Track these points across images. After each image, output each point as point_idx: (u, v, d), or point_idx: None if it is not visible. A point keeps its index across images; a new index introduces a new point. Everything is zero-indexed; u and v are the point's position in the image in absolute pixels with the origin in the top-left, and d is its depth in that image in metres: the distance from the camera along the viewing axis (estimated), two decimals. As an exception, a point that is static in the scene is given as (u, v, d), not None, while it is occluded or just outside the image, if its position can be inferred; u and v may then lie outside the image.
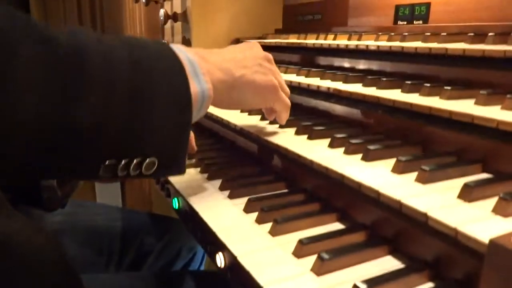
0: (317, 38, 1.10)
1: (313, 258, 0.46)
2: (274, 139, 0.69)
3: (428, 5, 0.93)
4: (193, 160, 0.80)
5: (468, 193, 0.45)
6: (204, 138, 0.99)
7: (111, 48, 0.46)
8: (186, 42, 1.42)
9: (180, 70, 0.50)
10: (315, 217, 0.56)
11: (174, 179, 0.72)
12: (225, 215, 0.58)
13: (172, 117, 0.49)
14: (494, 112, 0.53)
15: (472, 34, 0.75)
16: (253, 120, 0.83)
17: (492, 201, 0.43)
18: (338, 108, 0.79)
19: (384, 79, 0.75)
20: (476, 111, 0.54)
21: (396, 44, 0.78)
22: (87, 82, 0.42)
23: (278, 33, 1.47)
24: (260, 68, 0.63)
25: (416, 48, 0.73)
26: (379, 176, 0.52)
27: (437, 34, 0.86)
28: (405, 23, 0.99)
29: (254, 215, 0.57)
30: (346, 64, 0.97)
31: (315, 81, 0.87)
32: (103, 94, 0.43)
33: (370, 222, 0.53)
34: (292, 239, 0.50)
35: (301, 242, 0.48)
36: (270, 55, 0.68)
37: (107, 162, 0.45)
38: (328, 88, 0.79)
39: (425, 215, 0.42)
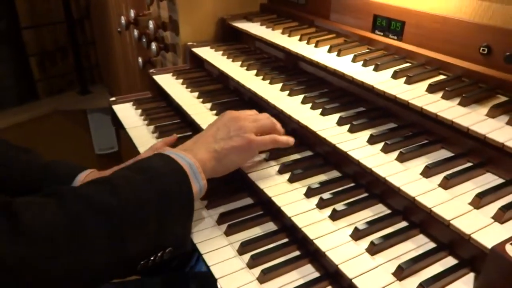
0: (300, 40, 1.17)
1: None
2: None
3: (403, 23, 1.00)
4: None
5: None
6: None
7: (140, 198, 0.63)
8: (173, 22, 1.45)
9: (186, 180, 0.68)
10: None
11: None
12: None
13: (182, 216, 0.68)
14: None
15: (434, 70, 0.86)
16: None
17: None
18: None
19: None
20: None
21: (369, 82, 0.88)
22: (128, 226, 0.61)
23: (262, 11, 1.50)
24: (232, 132, 0.78)
25: (384, 92, 0.83)
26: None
27: (406, 60, 0.96)
28: (382, 34, 1.06)
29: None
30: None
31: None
32: (143, 232, 0.63)
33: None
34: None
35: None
36: (233, 113, 0.83)
37: (142, 263, 0.64)
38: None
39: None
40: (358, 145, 0.80)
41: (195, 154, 0.73)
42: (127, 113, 1.28)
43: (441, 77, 0.89)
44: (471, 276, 0.61)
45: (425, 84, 0.85)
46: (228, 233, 0.77)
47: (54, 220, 0.55)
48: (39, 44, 2.78)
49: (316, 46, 1.11)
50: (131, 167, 0.70)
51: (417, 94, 0.82)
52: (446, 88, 0.80)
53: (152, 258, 0.66)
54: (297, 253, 0.73)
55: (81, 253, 0.57)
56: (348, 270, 0.62)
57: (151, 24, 1.51)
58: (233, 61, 1.26)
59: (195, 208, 0.72)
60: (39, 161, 0.90)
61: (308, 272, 0.70)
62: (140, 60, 1.76)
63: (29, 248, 0.52)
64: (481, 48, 0.84)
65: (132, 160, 0.83)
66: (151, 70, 1.41)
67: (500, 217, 0.61)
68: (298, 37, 1.19)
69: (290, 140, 0.86)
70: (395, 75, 0.89)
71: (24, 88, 2.86)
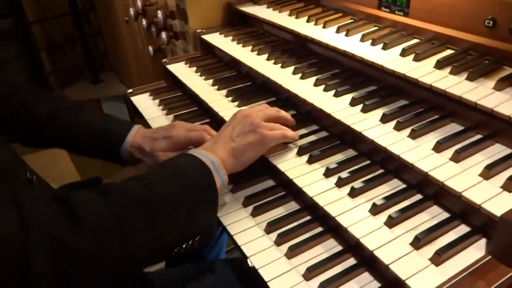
0: (307, 21, 1.19)
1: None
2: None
3: (408, -1, 1.02)
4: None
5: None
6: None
7: (171, 191, 0.70)
8: (181, 11, 1.48)
9: (210, 175, 0.76)
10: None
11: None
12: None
13: (208, 207, 0.75)
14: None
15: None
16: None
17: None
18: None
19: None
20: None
21: (378, 61, 0.91)
22: (164, 217, 0.68)
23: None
24: (245, 128, 0.85)
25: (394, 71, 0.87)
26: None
27: (414, 36, 0.99)
28: (388, 11, 1.08)
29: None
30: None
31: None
32: (176, 221, 0.70)
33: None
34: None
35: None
36: (244, 111, 0.89)
37: (176, 250, 0.71)
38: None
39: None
40: (371, 125, 0.84)
41: (215, 153, 0.80)
42: (146, 104, 1.33)
43: (449, 52, 0.92)
44: (483, 241, 0.67)
45: (433, 60, 0.88)
46: (254, 214, 0.83)
47: (102, 212, 0.63)
48: (47, 37, 2.82)
49: (324, 27, 1.13)
50: (162, 165, 0.78)
51: (425, 71, 0.85)
52: (454, 64, 0.83)
53: (184, 246, 0.73)
54: (320, 229, 0.79)
55: (127, 242, 0.64)
56: (368, 242, 0.68)
57: (159, 14, 1.54)
58: (243, 46, 1.29)
59: (222, 194, 0.79)
60: (93, 122, 1.02)
61: (332, 246, 0.76)
62: (150, 49, 1.80)
63: (84, 235, 0.59)
64: (486, 21, 0.86)
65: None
66: (164, 60, 1.44)
67: (508, 186, 0.65)
68: (306, 18, 1.21)
69: (296, 135, 0.93)
70: (404, 53, 0.92)
71: (37, 82, 2.93)
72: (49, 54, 2.87)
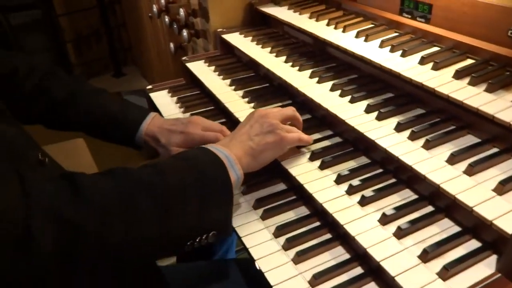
0: (327, 24, 1.19)
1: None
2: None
3: (430, 6, 1.01)
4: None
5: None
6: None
7: (183, 181, 0.70)
8: (203, 9, 1.49)
9: (224, 169, 0.75)
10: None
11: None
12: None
13: (222, 202, 0.74)
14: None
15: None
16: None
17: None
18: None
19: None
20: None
21: (396, 69, 0.90)
22: (172, 204, 0.67)
23: (290, -8, 1.51)
24: (264, 129, 0.84)
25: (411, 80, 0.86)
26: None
27: (434, 44, 0.97)
28: (409, 17, 1.07)
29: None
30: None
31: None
32: (185, 211, 0.69)
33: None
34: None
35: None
36: (262, 111, 0.88)
37: (188, 243, 0.71)
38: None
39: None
40: (385, 133, 0.83)
41: (231, 150, 0.80)
42: (164, 101, 1.35)
43: (469, 61, 0.90)
44: (493, 258, 0.66)
45: (452, 69, 0.86)
46: (264, 217, 0.84)
47: (109, 192, 0.63)
48: (74, 30, 2.89)
49: (343, 31, 1.13)
50: (176, 156, 0.78)
51: (443, 81, 0.84)
52: (473, 74, 0.82)
53: (197, 240, 0.72)
54: (328, 236, 0.79)
55: (132, 223, 0.63)
56: (376, 253, 0.68)
57: (181, 11, 1.56)
58: (262, 47, 1.30)
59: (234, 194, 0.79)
60: (111, 107, 1.02)
61: (339, 253, 0.76)
62: (171, 45, 1.82)
63: (89, 214, 0.58)
64: (510, 31, 0.84)
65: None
66: (183, 58, 1.46)
67: (522, 203, 0.64)
68: (326, 21, 1.21)
69: (310, 139, 0.92)
70: (422, 61, 0.91)
71: (63, 74, 2.99)
72: (75, 47, 2.94)
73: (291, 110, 0.93)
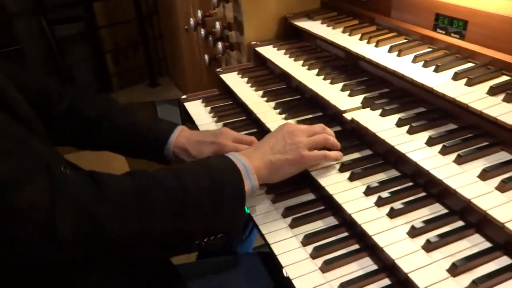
0: (360, 39, 1.20)
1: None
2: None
3: (465, 22, 1.01)
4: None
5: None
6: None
7: (198, 184, 0.75)
8: (238, 23, 1.54)
9: (239, 177, 0.79)
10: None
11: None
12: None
13: (234, 208, 0.78)
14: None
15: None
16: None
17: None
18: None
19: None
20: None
21: (429, 84, 0.91)
22: (186, 205, 0.72)
23: (323, 7, 1.54)
24: (287, 146, 0.87)
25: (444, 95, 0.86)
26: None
27: (468, 60, 0.97)
28: (444, 32, 1.07)
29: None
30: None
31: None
32: (198, 212, 0.73)
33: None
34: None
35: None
36: (291, 126, 0.91)
37: (196, 242, 0.75)
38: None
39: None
40: (416, 147, 0.84)
41: (251, 160, 0.84)
42: (198, 111, 1.40)
43: (504, 78, 0.89)
44: (525, 275, 0.65)
45: (486, 86, 0.86)
46: (292, 225, 0.86)
47: (128, 191, 0.68)
48: (113, 41, 3.01)
49: (376, 45, 1.14)
50: (194, 162, 0.84)
51: (477, 97, 0.84)
52: (508, 91, 0.82)
53: (205, 240, 0.76)
54: (356, 246, 0.80)
55: (146, 221, 0.68)
56: (404, 265, 0.68)
57: (217, 25, 1.61)
58: (295, 60, 1.32)
59: (263, 202, 0.86)
60: (139, 124, 1.07)
61: (367, 264, 0.77)
62: (206, 57, 1.87)
63: (108, 210, 0.64)
64: (547, 49, 0.84)
65: None
66: (218, 69, 1.51)
67: (556, 221, 0.63)
68: (359, 36, 1.22)
69: (339, 155, 0.93)
70: (456, 77, 0.91)
71: (101, 82, 3.13)
72: (113, 57, 3.06)
73: (320, 128, 0.95)
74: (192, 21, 1.77)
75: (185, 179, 0.74)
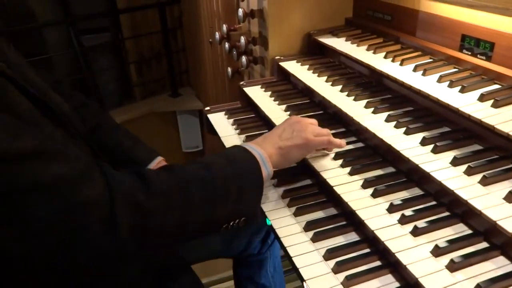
0: (385, 57, 1.22)
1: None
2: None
3: (492, 44, 1.01)
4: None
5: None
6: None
7: (225, 174, 0.82)
8: (263, 38, 1.57)
9: (257, 165, 0.86)
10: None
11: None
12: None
13: (255, 193, 0.86)
14: None
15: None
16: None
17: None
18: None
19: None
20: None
21: (454, 104, 0.91)
22: (217, 194, 0.80)
23: (348, 25, 1.56)
24: (295, 133, 0.95)
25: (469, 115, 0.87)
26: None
27: (495, 82, 0.98)
28: (470, 53, 1.08)
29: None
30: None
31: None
32: (227, 199, 0.80)
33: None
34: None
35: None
36: (297, 117, 1.00)
37: (224, 226, 0.81)
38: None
39: None
40: (441, 166, 0.84)
41: (264, 149, 0.91)
42: (221, 122, 1.43)
43: (531, 100, 0.90)
44: (551, 300, 0.64)
45: (513, 108, 0.86)
46: (314, 239, 0.87)
47: (170, 185, 0.75)
48: (138, 52, 3.09)
49: (401, 64, 1.15)
50: (216, 154, 0.90)
51: (504, 119, 0.84)
52: (535, 114, 0.82)
53: (231, 224, 0.83)
54: (378, 263, 0.81)
55: (186, 210, 0.76)
56: (428, 283, 0.68)
57: (242, 39, 1.64)
58: (318, 76, 1.34)
59: (285, 215, 0.91)
60: (124, 144, 1.19)
61: (389, 281, 0.77)
62: (229, 70, 1.91)
63: (156, 202, 0.71)
64: None
65: None
66: (241, 83, 1.54)
67: None
68: (383, 54, 1.24)
69: (343, 142, 1.02)
70: (482, 98, 0.91)
71: (124, 92, 3.20)
72: (137, 67, 3.14)
73: (326, 131, 1.02)
74: (217, 35, 1.81)
75: (213, 170, 0.81)
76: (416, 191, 0.90)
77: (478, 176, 0.80)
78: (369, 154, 1.03)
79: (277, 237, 0.90)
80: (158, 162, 1.18)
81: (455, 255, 0.73)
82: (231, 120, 1.41)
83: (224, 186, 0.80)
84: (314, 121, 1.03)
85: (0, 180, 0.58)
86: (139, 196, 0.69)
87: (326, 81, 1.30)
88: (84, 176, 0.66)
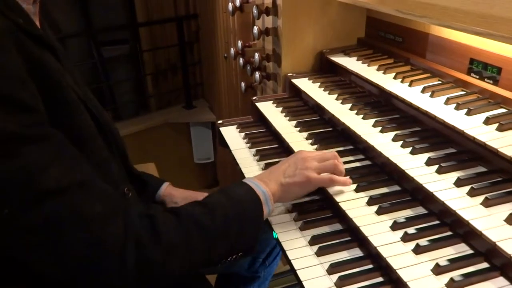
0: (394, 78, 1.25)
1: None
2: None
3: (499, 69, 1.04)
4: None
5: None
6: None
7: (227, 218, 0.85)
8: (276, 55, 1.61)
9: (260, 206, 0.90)
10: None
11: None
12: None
13: (254, 231, 0.89)
14: None
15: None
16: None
17: None
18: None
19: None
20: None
21: (460, 126, 0.94)
22: (217, 238, 0.84)
23: (360, 45, 1.60)
24: (297, 170, 0.97)
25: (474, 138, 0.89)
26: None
27: (501, 105, 1.00)
28: (477, 77, 1.10)
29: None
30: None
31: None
32: (227, 241, 0.85)
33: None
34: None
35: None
36: (303, 153, 1.01)
37: (222, 262, 0.86)
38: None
39: None
40: (444, 187, 0.86)
41: (267, 185, 0.94)
42: (232, 135, 1.47)
43: (536, 125, 0.91)
44: (549, 322, 0.66)
45: (517, 132, 0.88)
46: (319, 254, 0.89)
47: (175, 231, 0.79)
48: (154, 64, 3.17)
49: (410, 85, 1.18)
50: (222, 192, 0.92)
51: (508, 143, 0.86)
52: (539, 139, 0.84)
53: (229, 259, 0.89)
54: (380, 279, 0.82)
55: (188, 257, 0.80)
56: (427, 301, 0.70)
57: (256, 55, 1.69)
58: (329, 93, 1.38)
59: (291, 229, 0.95)
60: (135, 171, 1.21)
61: (390, 297, 0.79)
62: (242, 84, 1.96)
63: (160, 250, 0.75)
64: None
65: None
66: (254, 98, 1.58)
67: None
68: (393, 74, 1.27)
69: (348, 182, 1.00)
70: (487, 121, 0.93)
71: (140, 102, 3.27)
72: (153, 79, 3.21)
73: (331, 154, 1.03)
74: (232, 50, 1.87)
75: (217, 214, 0.85)
76: (420, 210, 0.92)
77: (481, 198, 0.82)
78: (375, 172, 1.06)
79: (282, 250, 0.93)
80: (167, 185, 1.22)
81: (456, 274, 0.74)
82: (243, 134, 1.45)
83: (225, 232, 0.84)
84: (320, 152, 1.05)
85: (48, 208, 0.65)
86: (146, 243, 0.74)
87: (336, 99, 1.33)
88: (111, 214, 0.72)
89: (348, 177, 1.01)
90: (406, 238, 0.83)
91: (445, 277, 0.74)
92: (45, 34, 0.79)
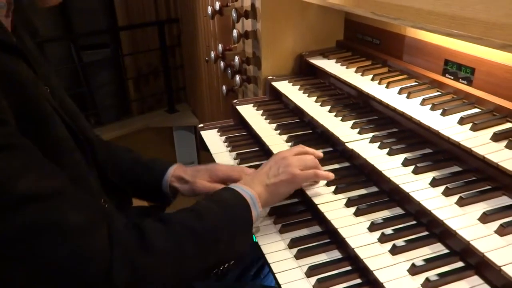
0: (372, 79, 1.26)
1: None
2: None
3: (473, 69, 1.05)
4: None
5: None
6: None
7: (216, 223, 0.84)
8: (256, 58, 1.61)
9: (248, 209, 0.88)
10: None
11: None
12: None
13: (243, 236, 0.88)
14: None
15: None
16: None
17: None
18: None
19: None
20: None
21: (435, 127, 0.95)
22: (208, 243, 0.81)
23: (338, 47, 1.61)
24: (281, 169, 0.96)
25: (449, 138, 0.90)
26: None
27: (475, 105, 1.01)
28: (452, 78, 1.12)
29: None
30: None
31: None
32: (218, 247, 0.82)
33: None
34: None
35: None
36: (282, 153, 1.01)
37: (214, 272, 0.83)
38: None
39: None
40: (420, 187, 0.87)
41: (253, 188, 0.93)
42: (213, 139, 1.46)
43: (508, 125, 0.93)
44: (522, 319, 0.66)
45: (490, 131, 0.90)
46: (298, 256, 0.89)
47: (165, 238, 0.76)
48: (136, 68, 3.14)
49: (387, 87, 1.19)
50: (209, 198, 0.91)
51: (481, 142, 0.87)
52: (510, 138, 0.85)
53: (221, 268, 0.85)
54: (358, 280, 0.83)
55: (180, 265, 0.77)
56: (403, 301, 0.70)
57: (236, 59, 1.69)
58: (308, 96, 1.38)
59: (270, 232, 0.94)
60: (140, 160, 1.18)
61: (368, 299, 0.79)
62: (224, 88, 1.95)
63: (152, 259, 0.73)
64: (550, 100, 0.87)
65: None
66: (234, 101, 1.57)
67: (552, 267, 0.65)
68: (371, 76, 1.28)
69: (330, 175, 1.01)
70: (462, 121, 0.95)
71: (121, 107, 3.24)
72: (135, 83, 3.18)
73: (300, 147, 1.05)
74: (213, 54, 1.86)
75: (206, 221, 0.83)
76: (397, 211, 0.92)
77: (455, 197, 0.83)
78: (354, 173, 1.06)
79: (261, 254, 0.92)
80: (177, 166, 1.15)
81: (431, 273, 0.75)
82: (223, 138, 1.44)
83: (216, 236, 0.83)
84: (300, 148, 1.04)
85: (21, 218, 0.63)
86: (134, 253, 0.71)
87: (316, 101, 1.33)
88: (93, 228, 0.69)
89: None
90: (383, 239, 0.83)
91: (421, 277, 0.74)
92: (18, 42, 0.78)
